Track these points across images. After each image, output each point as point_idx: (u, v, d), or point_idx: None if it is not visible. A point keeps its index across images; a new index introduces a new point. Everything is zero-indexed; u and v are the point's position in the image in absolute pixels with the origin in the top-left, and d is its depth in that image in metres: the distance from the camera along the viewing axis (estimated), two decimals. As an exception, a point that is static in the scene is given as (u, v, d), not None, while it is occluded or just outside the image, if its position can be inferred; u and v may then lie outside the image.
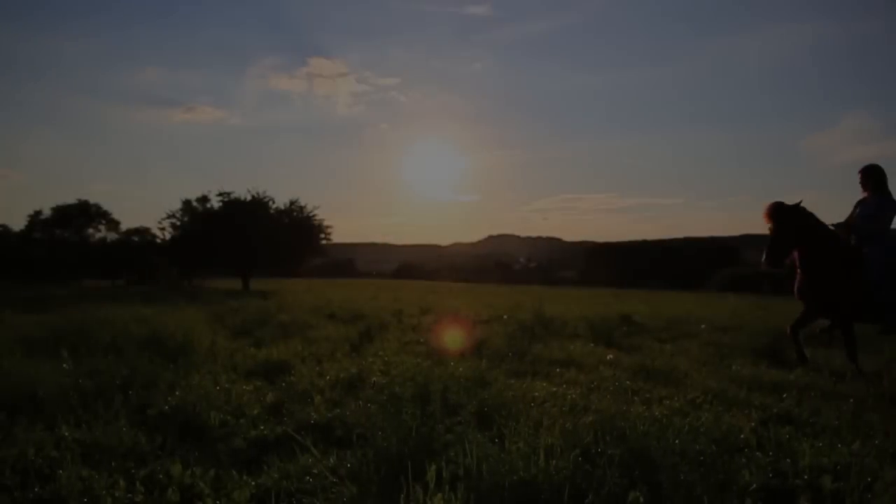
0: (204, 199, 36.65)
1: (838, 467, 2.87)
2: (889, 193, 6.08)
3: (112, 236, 46.53)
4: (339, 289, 30.30)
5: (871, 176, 6.12)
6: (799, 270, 6.21)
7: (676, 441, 2.94)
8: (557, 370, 5.91)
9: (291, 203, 37.08)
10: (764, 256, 6.06)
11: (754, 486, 2.51)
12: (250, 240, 33.77)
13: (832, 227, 6.16)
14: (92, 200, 46.41)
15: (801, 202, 6.05)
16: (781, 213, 6.01)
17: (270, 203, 36.89)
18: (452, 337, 7.66)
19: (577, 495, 2.35)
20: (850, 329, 6.13)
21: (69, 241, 44.81)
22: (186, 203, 36.59)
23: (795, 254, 6.13)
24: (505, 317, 11.91)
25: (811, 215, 6.09)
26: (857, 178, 6.23)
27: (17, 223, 47.21)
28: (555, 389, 4.75)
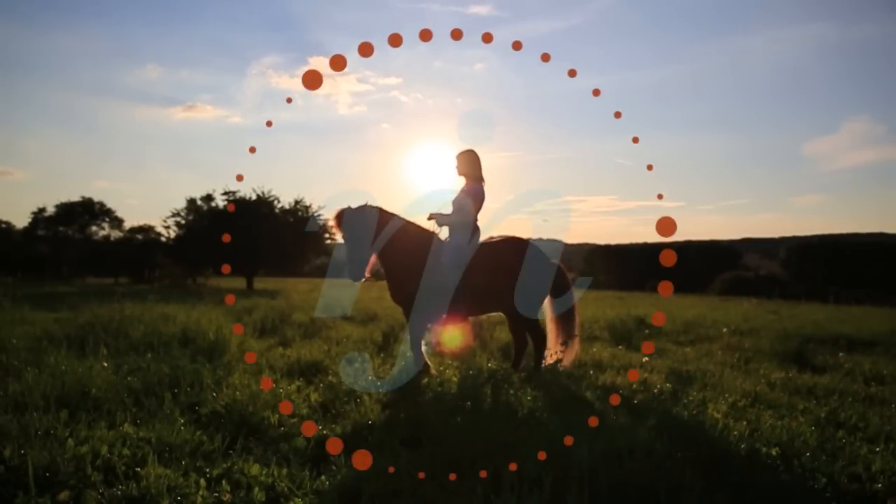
0: (209, 198, 36.62)
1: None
2: (480, 181, 5.76)
3: (116, 234, 46.53)
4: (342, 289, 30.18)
5: (464, 163, 5.76)
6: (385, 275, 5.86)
7: (742, 445, 2.96)
8: (591, 372, 5.92)
9: (296, 203, 37.04)
10: (346, 269, 5.55)
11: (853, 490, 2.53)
12: (255, 239, 33.70)
13: (433, 216, 5.77)
14: (95, 198, 46.44)
15: (368, 203, 5.60)
16: (349, 220, 5.49)
17: (276, 202, 36.84)
18: (468, 338, 7.60)
19: (667, 497, 2.36)
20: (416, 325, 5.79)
21: (73, 239, 44.80)
22: (191, 202, 36.57)
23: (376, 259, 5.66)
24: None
25: (384, 214, 5.62)
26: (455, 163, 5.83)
27: (21, 221, 47.32)
28: (598, 392, 4.77)
